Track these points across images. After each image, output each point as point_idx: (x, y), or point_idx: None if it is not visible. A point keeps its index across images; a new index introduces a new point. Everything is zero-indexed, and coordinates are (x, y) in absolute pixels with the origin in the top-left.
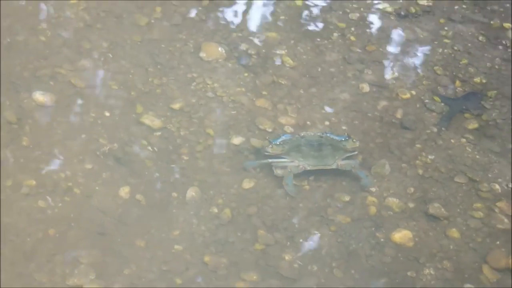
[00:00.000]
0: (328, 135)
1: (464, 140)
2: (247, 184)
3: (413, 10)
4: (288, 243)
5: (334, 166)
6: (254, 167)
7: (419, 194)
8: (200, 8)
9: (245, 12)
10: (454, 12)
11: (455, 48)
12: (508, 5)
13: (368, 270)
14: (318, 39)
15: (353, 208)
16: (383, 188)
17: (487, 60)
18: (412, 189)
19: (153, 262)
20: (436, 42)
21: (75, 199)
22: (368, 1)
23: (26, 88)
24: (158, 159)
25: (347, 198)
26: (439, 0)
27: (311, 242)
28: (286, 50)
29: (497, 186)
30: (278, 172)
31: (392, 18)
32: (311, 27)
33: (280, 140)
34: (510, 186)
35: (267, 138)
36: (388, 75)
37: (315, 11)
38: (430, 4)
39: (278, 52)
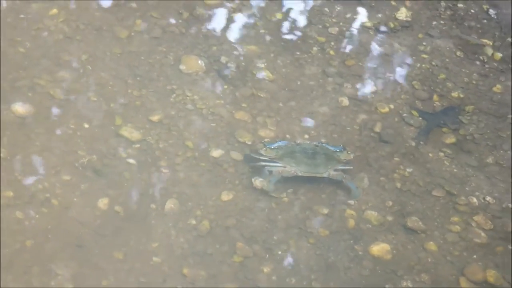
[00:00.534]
0: (323, 145)
1: (442, 154)
2: (226, 196)
3: (392, 25)
4: (267, 255)
5: (325, 175)
6: (253, 162)
7: (397, 208)
8: (180, 21)
9: (225, 25)
10: (432, 28)
11: (433, 63)
12: (485, 21)
13: (346, 282)
14: (298, 53)
15: (331, 220)
16: (361, 201)
17: (464, 75)
18: (390, 203)
19: (131, 274)
20: (414, 57)
21: (52, 210)
22: (348, 16)
23: (5, 99)
24: (137, 171)
25: (325, 211)
26: (418, 16)
27: (290, 255)
28: (265, 63)
29: (474, 200)
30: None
31: (371, 32)
32: (291, 41)
33: (275, 145)
34: (487, 199)
35: (262, 141)
36: (367, 89)
37: (295, 24)
38: (409, 19)
39: (257, 65)
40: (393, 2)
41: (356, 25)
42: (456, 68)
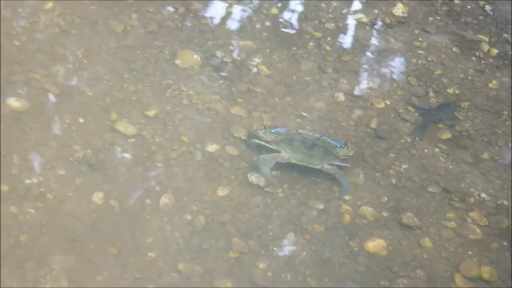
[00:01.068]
0: (325, 138)
1: (437, 150)
2: (222, 191)
3: (388, 20)
4: (262, 251)
5: (318, 167)
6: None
7: (392, 203)
8: (176, 16)
9: (221, 20)
10: (428, 24)
11: (429, 59)
12: (481, 17)
13: (341, 278)
14: (294, 48)
15: (327, 216)
16: (357, 197)
17: (460, 71)
18: (385, 198)
19: (126, 269)
20: (410, 53)
21: (47, 205)
22: (344, 11)
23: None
24: (132, 166)
25: (321, 207)
26: (414, 11)
27: (285, 251)
28: (261, 59)
29: (470, 196)
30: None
31: (367, 28)
32: (287, 36)
33: (275, 130)
34: (482, 196)
35: (263, 123)
36: (363, 84)
37: (291, 20)
38: (405, 15)
39: (253, 60)
40: None
41: (352, 20)
42: (452, 64)
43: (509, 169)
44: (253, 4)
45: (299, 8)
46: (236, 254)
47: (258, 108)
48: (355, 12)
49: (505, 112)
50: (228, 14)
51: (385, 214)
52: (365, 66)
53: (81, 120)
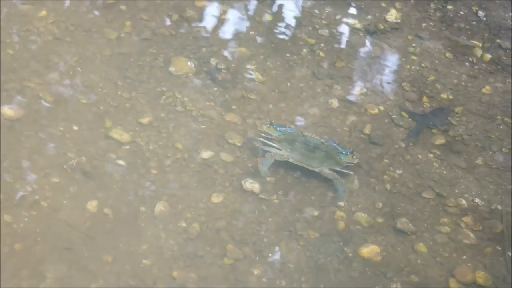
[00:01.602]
0: (331, 143)
1: (431, 155)
2: (216, 198)
3: (381, 26)
4: (257, 257)
5: (317, 170)
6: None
7: (387, 209)
8: (170, 23)
9: (215, 27)
10: (421, 29)
11: (423, 64)
12: (474, 22)
13: (336, 284)
14: (288, 55)
15: (321, 222)
16: (351, 203)
17: (453, 77)
18: (380, 204)
19: (121, 277)
20: (404, 59)
21: (42, 213)
22: (338, 17)
23: None
24: (126, 173)
25: (316, 213)
26: (407, 17)
27: (280, 257)
28: (255, 65)
29: (464, 201)
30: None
31: (361, 34)
32: (281, 43)
33: (282, 128)
34: (476, 201)
35: (271, 120)
36: (357, 90)
37: (285, 26)
38: (398, 21)
39: (247, 67)
40: (383, 4)
41: (346, 26)
42: (446, 69)
43: (502, 174)
44: (247, 11)
45: (293, 14)
46: (231, 260)
47: (252, 115)
48: (349, 18)
49: (499, 117)
50: (222, 21)
51: (379, 220)
52: (358, 72)
53: (75, 128)
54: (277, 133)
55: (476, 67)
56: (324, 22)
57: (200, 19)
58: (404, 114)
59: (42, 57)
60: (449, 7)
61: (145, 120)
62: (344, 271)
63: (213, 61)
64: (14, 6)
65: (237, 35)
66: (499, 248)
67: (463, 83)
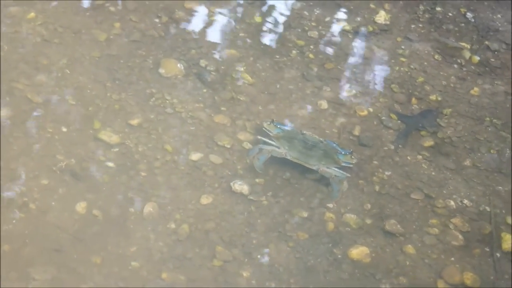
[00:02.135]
0: (331, 143)
1: (420, 157)
2: (205, 199)
3: (370, 28)
4: (246, 259)
5: (315, 168)
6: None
7: (376, 211)
8: (159, 25)
9: (205, 29)
10: (410, 31)
11: (412, 66)
12: (463, 24)
13: (326, 286)
14: (277, 56)
15: (311, 224)
16: (341, 204)
17: (442, 78)
18: (369, 206)
19: (109, 279)
20: (393, 60)
21: (30, 215)
22: (327, 19)
23: None
24: (115, 175)
25: (305, 214)
26: (396, 19)
27: (269, 259)
28: (245, 67)
29: (452, 203)
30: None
31: (350, 36)
32: (270, 44)
33: (282, 126)
34: (464, 202)
35: (273, 118)
36: (346, 92)
37: (275, 28)
38: (388, 23)
39: (237, 68)
40: (372, 5)
41: (335, 28)
42: (434, 71)
43: (491, 175)
44: (236, 12)
45: (282, 16)
46: (220, 262)
47: (242, 116)
48: (338, 20)
49: (487, 119)
50: (211, 23)
51: (368, 221)
52: (348, 74)
53: (64, 129)
54: (276, 130)
55: (464, 69)
56: (313, 24)
57: (190, 20)
58: (393, 115)
59: (30, 59)
60: (438, 8)
61: (134, 122)
62: (333, 272)
63: (202, 63)
64: (3, 8)
65: (226, 36)
66: (487, 250)
67: (451, 85)
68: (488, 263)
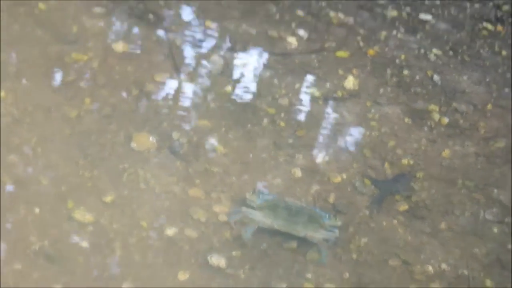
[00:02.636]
0: (313, 208)
1: (395, 221)
2: (182, 275)
3: (340, 94)
4: None
5: (302, 235)
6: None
7: (354, 279)
8: (130, 98)
9: (175, 100)
10: (379, 95)
11: (382, 130)
12: (430, 87)
13: None
14: (249, 125)
15: None
16: (319, 274)
17: (413, 141)
18: (347, 274)
19: None
20: (364, 125)
21: None
22: (297, 86)
23: None
24: (90, 255)
25: (284, 286)
26: (365, 84)
27: None
28: (217, 138)
29: (430, 268)
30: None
31: (320, 102)
32: (242, 114)
33: (266, 196)
34: (442, 266)
35: (259, 188)
36: (319, 159)
37: (245, 97)
38: (356, 87)
39: (209, 139)
40: (340, 71)
41: (305, 95)
42: (405, 134)
43: (467, 237)
44: (206, 83)
45: (253, 85)
46: None
47: (216, 188)
48: (308, 86)
49: (459, 181)
50: (182, 94)
51: None
52: (320, 140)
53: (37, 210)
54: (259, 201)
55: (434, 131)
56: (283, 91)
57: (160, 93)
58: (366, 181)
59: (2, 140)
60: (405, 72)
61: (108, 199)
62: None
63: (174, 135)
64: None
65: (197, 107)
66: None
67: (423, 148)
68: None
